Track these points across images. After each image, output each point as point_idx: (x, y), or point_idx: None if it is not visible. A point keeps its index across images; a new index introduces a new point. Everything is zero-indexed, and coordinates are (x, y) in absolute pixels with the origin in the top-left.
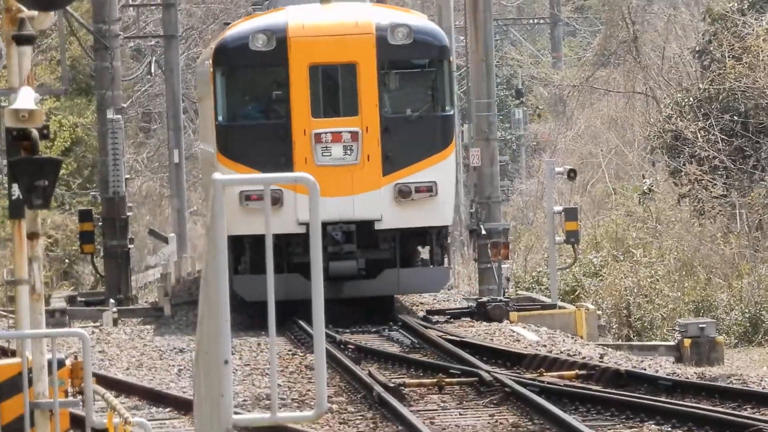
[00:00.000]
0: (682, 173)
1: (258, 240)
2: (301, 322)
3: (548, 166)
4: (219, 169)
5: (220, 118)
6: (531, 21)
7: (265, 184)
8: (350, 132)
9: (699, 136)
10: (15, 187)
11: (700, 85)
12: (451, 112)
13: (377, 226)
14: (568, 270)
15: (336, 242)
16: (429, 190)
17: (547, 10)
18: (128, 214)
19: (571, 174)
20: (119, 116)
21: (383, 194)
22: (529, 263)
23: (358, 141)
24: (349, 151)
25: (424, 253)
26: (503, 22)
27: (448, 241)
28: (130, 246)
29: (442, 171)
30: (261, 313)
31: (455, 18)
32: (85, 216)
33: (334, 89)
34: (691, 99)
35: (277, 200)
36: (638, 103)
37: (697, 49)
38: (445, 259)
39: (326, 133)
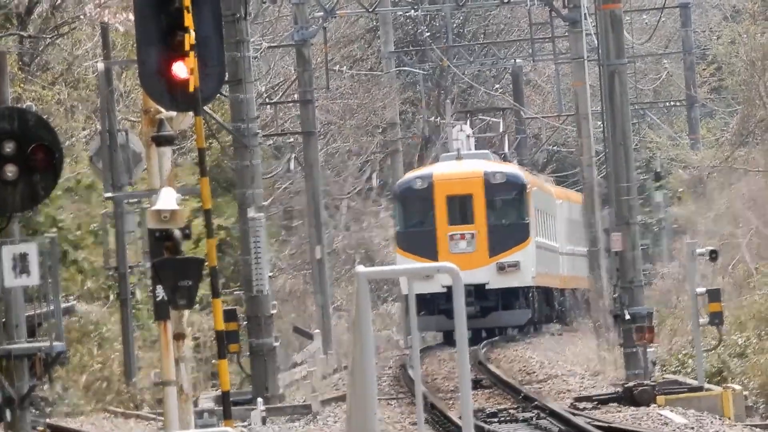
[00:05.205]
0: None
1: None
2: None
3: (689, 248)
4: (397, 259)
5: (398, 227)
6: (668, 103)
7: (409, 275)
8: (470, 233)
9: None
10: (159, 288)
11: None
12: (528, 221)
13: (487, 287)
14: (713, 351)
15: None
16: (515, 266)
17: (683, 92)
18: (272, 311)
19: (713, 255)
20: (261, 214)
21: (490, 268)
22: (674, 346)
23: (474, 239)
24: (469, 245)
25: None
26: (640, 105)
27: (531, 295)
28: (275, 344)
29: (523, 254)
30: None
31: (592, 104)
32: (229, 315)
33: (460, 209)
34: None
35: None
36: None
37: None
38: (528, 305)
39: (456, 234)
